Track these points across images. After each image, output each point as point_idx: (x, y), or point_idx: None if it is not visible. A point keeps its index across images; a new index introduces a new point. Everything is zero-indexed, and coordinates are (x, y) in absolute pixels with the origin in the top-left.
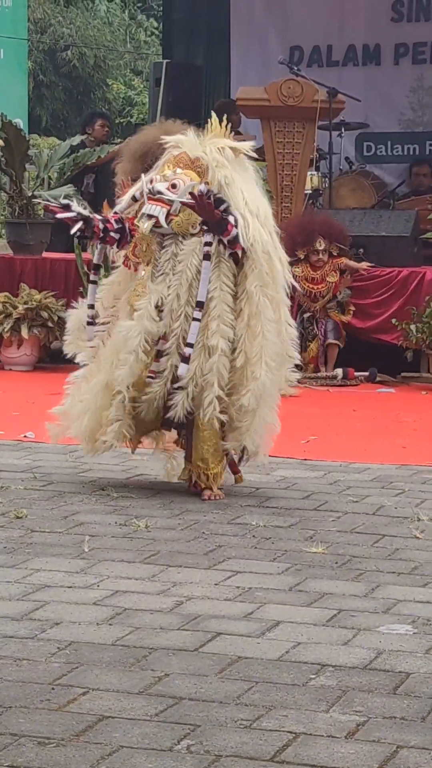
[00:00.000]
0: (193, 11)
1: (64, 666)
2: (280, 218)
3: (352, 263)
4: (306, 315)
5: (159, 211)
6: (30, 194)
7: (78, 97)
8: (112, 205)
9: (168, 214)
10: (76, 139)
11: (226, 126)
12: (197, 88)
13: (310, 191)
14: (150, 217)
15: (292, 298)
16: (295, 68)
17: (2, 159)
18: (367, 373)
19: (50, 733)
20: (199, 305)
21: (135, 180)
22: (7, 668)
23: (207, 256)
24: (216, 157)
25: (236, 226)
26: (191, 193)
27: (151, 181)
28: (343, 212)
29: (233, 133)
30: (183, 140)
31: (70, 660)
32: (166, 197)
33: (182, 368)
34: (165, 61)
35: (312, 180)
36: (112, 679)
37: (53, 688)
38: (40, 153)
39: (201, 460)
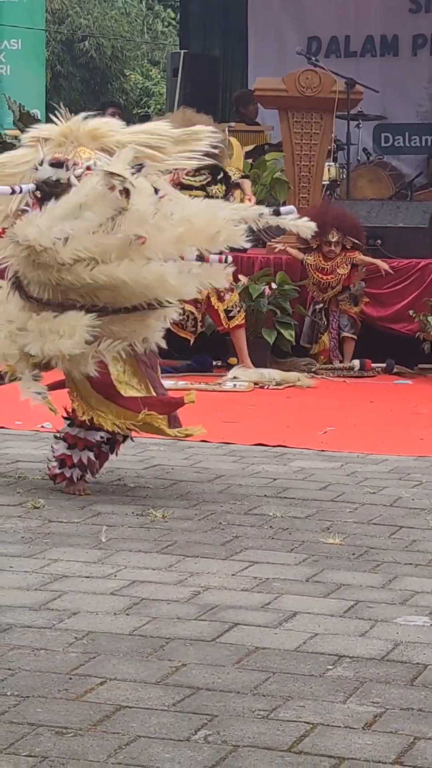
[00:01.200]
0: (210, 2)
1: (82, 656)
2: (298, 209)
3: (367, 259)
4: (317, 306)
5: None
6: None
7: (95, 88)
8: None
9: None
10: None
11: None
12: (214, 78)
13: (328, 182)
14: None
15: (304, 289)
16: (313, 59)
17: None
18: (384, 365)
19: (68, 722)
20: None
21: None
22: (24, 658)
23: None
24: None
25: None
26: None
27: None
28: (360, 203)
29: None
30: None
31: (87, 650)
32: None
33: None
34: (182, 51)
35: (329, 171)
36: (130, 669)
37: (71, 678)
38: None
39: None
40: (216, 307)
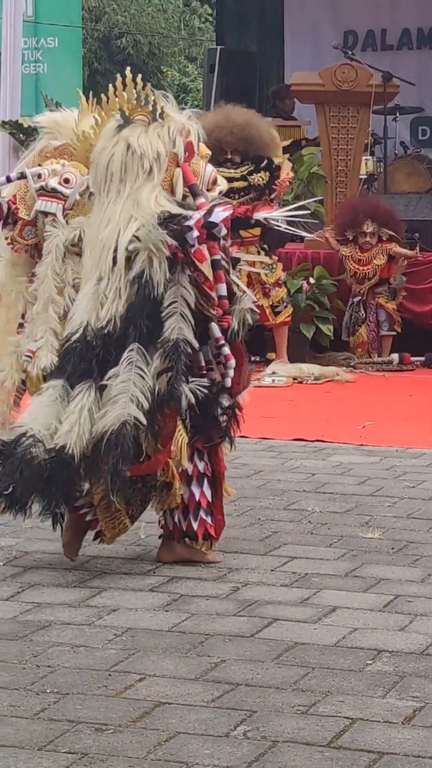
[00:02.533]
0: None
1: (121, 652)
2: (335, 203)
3: (402, 250)
4: (356, 299)
5: (56, 207)
6: None
7: None
8: None
9: (63, 209)
10: None
11: (95, 102)
12: (251, 74)
13: (365, 176)
14: (46, 214)
15: (342, 283)
16: (350, 53)
17: None
18: (423, 359)
19: (107, 719)
20: None
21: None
22: (64, 655)
23: None
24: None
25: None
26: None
27: (39, 176)
28: (397, 197)
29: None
30: (60, 124)
31: (126, 646)
32: (61, 192)
33: None
34: (219, 47)
35: (367, 165)
36: (169, 665)
37: (110, 675)
38: None
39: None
40: (261, 303)
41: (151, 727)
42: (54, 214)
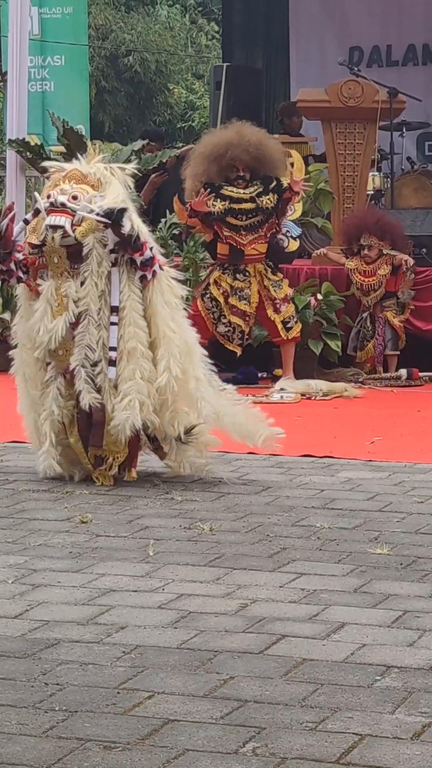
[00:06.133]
0: (252, 14)
1: (130, 670)
2: (342, 220)
3: (399, 255)
4: (364, 314)
5: (64, 221)
6: None
7: (140, 103)
8: (182, 202)
9: (71, 224)
10: (138, 144)
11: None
12: (257, 90)
13: (372, 192)
14: (55, 228)
15: (350, 299)
16: (355, 69)
17: None
18: (431, 374)
19: (116, 737)
20: (114, 310)
21: (207, 183)
22: (73, 673)
23: (115, 263)
24: (106, 174)
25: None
26: (108, 211)
27: (49, 196)
28: (405, 212)
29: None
30: (67, 165)
31: (135, 664)
32: (70, 207)
33: (111, 371)
34: (225, 64)
35: (374, 181)
36: (178, 683)
37: (119, 692)
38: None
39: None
40: (273, 319)
41: (159, 745)
42: (62, 227)
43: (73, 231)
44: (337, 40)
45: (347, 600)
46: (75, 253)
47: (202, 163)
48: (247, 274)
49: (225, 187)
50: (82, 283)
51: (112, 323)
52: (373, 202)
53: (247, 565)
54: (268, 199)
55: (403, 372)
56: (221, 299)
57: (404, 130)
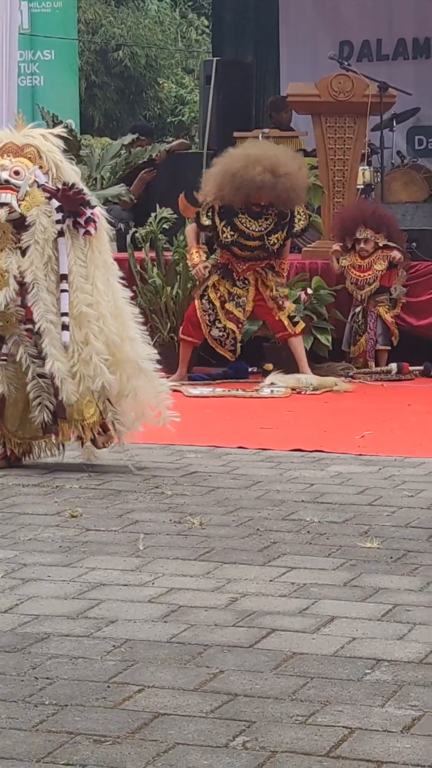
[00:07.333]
0: (242, 9)
1: (120, 664)
2: (332, 214)
3: (396, 254)
4: (357, 309)
5: (10, 197)
6: None
7: (130, 97)
8: (189, 199)
9: (17, 200)
10: (128, 139)
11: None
12: (247, 85)
13: (362, 186)
14: (2, 204)
15: (340, 293)
16: (346, 63)
17: None
18: (421, 368)
19: (106, 730)
20: (63, 277)
21: (223, 206)
22: (62, 667)
23: (62, 233)
24: (44, 143)
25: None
26: (63, 186)
27: None
28: (395, 206)
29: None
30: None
31: (125, 658)
32: (13, 183)
33: (65, 335)
34: (215, 59)
35: (364, 175)
36: (167, 677)
37: (109, 686)
38: (92, 153)
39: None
40: (279, 318)
41: (149, 738)
42: (9, 204)
43: (19, 206)
44: (327, 35)
45: (337, 594)
46: (18, 226)
47: (227, 185)
48: (247, 282)
49: (239, 218)
50: (23, 254)
51: (63, 290)
52: (363, 196)
53: (237, 559)
54: (276, 238)
55: (393, 366)
56: (217, 303)
57: (395, 123)
